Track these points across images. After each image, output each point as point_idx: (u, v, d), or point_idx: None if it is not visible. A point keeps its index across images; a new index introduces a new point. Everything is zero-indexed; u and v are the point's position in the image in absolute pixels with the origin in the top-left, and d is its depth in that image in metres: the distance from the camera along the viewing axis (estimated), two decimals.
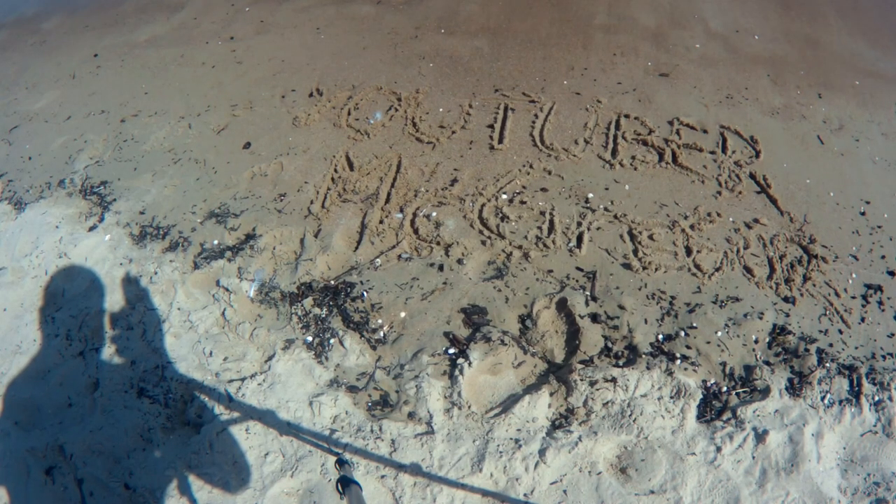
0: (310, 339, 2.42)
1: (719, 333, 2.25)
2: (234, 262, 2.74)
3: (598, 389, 2.10)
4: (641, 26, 4.10)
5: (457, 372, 2.21)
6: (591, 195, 2.81)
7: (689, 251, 2.55)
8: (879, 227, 2.66)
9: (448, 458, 2.01)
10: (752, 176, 2.89)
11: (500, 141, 3.17)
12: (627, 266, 2.51)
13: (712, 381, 2.14)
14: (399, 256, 2.66)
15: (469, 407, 2.13)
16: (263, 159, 3.30)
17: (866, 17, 4.18)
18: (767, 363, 2.19)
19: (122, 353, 2.47)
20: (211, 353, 2.42)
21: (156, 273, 2.76)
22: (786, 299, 2.37)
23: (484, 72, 3.72)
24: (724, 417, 2.05)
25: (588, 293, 2.42)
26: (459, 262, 2.59)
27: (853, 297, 2.39)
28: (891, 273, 2.47)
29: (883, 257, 2.53)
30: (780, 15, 4.22)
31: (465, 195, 2.89)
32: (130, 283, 2.76)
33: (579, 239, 2.62)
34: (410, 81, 3.70)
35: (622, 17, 4.22)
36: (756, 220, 2.67)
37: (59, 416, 2.33)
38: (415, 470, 1.99)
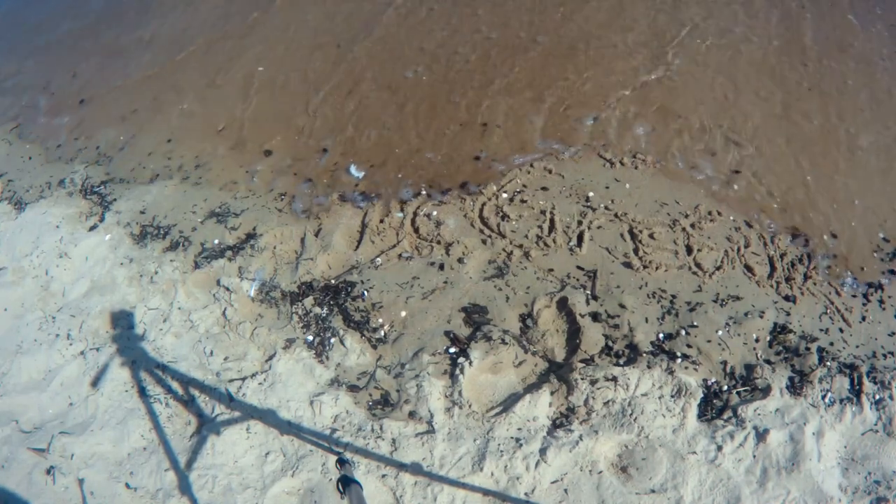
0: (310, 338, 2.42)
1: (720, 332, 2.25)
2: (235, 261, 2.74)
3: (598, 388, 2.10)
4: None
5: (457, 371, 2.21)
6: (591, 194, 2.80)
7: (689, 250, 2.55)
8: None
9: (449, 458, 2.01)
10: None
11: None
12: (628, 265, 2.51)
13: (713, 380, 2.14)
14: (400, 255, 2.66)
15: (470, 406, 2.13)
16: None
17: None
18: (768, 362, 2.19)
19: (123, 353, 2.47)
20: (211, 353, 2.42)
21: (156, 272, 2.76)
22: (787, 298, 2.37)
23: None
24: (725, 416, 2.04)
25: (589, 292, 2.42)
26: (460, 261, 2.59)
27: (854, 296, 2.38)
28: (892, 272, 2.46)
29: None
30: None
31: (465, 194, 2.88)
32: (131, 282, 2.76)
33: (580, 238, 2.61)
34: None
35: None
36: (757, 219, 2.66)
37: (59, 416, 2.33)
38: (416, 469, 1.99)
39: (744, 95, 3.13)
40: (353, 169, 3.05)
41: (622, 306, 2.36)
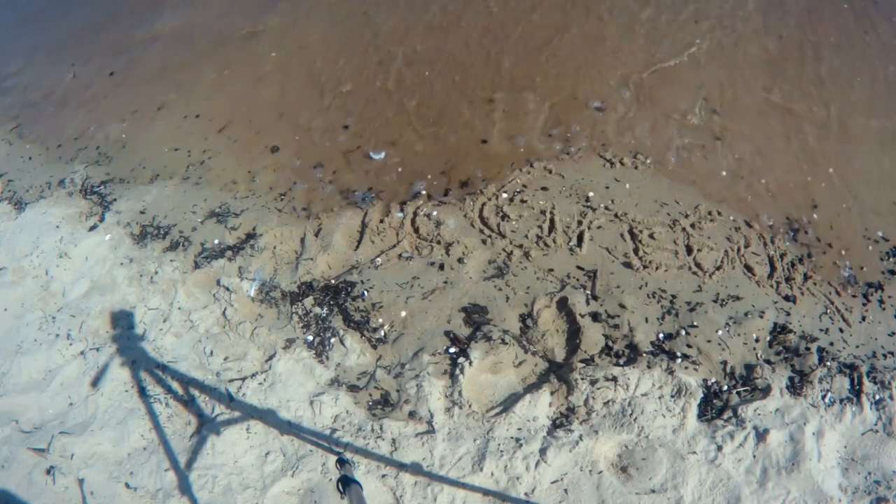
0: (310, 338, 2.42)
1: (720, 332, 2.25)
2: (235, 261, 2.74)
3: (598, 388, 2.10)
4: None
5: (457, 371, 2.21)
6: (591, 194, 2.80)
7: (689, 250, 2.55)
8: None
9: (449, 458, 2.01)
10: None
11: None
12: (628, 265, 2.51)
13: (713, 380, 2.14)
14: (400, 255, 2.65)
15: (470, 406, 2.13)
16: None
17: None
18: (768, 362, 2.19)
19: (123, 353, 2.47)
20: (211, 353, 2.42)
21: (156, 272, 2.76)
22: (787, 298, 2.37)
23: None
24: (725, 416, 2.04)
25: (589, 292, 2.42)
26: (460, 261, 2.59)
27: (854, 296, 2.38)
28: (892, 271, 2.46)
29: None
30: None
31: (465, 194, 2.88)
32: (131, 282, 2.76)
33: (580, 238, 2.61)
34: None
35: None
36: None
37: (59, 416, 2.33)
38: (416, 469, 1.99)
39: (744, 91, 3.13)
40: (372, 153, 3.11)
41: (622, 306, 2.35)
